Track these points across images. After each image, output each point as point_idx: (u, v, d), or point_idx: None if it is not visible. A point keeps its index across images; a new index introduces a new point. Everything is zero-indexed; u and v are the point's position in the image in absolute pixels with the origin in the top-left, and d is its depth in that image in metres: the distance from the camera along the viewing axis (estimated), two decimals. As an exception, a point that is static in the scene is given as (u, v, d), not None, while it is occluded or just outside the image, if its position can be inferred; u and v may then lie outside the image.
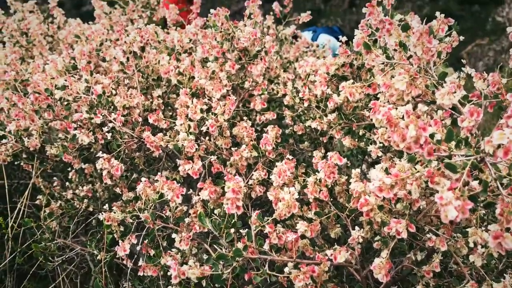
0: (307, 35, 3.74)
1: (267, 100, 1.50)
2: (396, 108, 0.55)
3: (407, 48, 0.73)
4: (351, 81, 0.89)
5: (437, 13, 0.84)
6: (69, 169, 1.17)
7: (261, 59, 1.16)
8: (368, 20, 0.85)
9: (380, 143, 0.91)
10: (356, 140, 0.98)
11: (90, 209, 1.15)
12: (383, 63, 0.81)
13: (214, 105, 1.03)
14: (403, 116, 0.52)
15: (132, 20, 1.88)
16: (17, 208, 1.19)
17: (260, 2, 1.13)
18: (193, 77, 1.22)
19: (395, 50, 0.77)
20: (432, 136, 0.49)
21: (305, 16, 2.18)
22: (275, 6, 2.04)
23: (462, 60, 0.94)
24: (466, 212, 0.50)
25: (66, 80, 1.01)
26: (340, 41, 1.19)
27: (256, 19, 1.19)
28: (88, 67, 1.07)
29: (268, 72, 1.28)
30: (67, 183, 1.19)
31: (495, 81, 0.73)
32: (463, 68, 0.82)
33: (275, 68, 1.24)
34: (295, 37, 2.16)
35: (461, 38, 0.89)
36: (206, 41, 1.13)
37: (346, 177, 0.85)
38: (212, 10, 1.08)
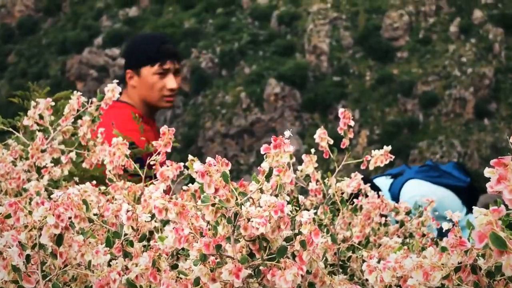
0: (382, 183, 3.85)
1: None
2: None
3: None
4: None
5: None
6: None
7: (293, 256, 1.29)
8: (496, 187, 1.00)
9: None
10: None
11: None
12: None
13: None
14: None
15: (40, 168, 2.11)
16: None
17: (292, 149, 1.32)
18: (156, 292, 1.33)
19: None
20: None
21: (382, 156, 2.40)
22: (320, 137, 2.29)
23: None
24: None
25: None
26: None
27: (284, 178, 1.37)
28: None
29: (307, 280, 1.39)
30: None
31: None
32: None
33: (322, 273, 1.35)
34: (357, 195, 2.34)
35: None
36: (185, 222, 1.29)
37: None
38: (196, 166, 1.26)
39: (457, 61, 57.00)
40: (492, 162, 0.95)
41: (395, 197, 3.71)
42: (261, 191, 1.33)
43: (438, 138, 53.61)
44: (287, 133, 1.32)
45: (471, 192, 3.91)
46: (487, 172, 0.95)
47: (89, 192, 1.62)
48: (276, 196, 1.33)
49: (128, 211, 1.50)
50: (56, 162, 2.18)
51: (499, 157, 0.98)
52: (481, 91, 55.56)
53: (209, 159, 1.31)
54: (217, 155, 1.34)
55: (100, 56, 60.03)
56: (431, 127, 54.29)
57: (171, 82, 3.39)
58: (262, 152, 1.33)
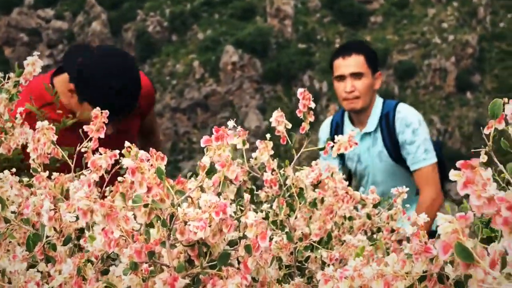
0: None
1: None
2: None
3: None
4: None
5: None
6: None
7: (238, 264, 1.28)
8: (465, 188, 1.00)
9: None
10: None
11: None
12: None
13: None
14: None
15: None
16: None
17: (236, 141, 1.31)
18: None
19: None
20: None
21: (346, 142, 2.42)
22: (277, 120, 2.29)
23: None
24: None
25: None
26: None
27: (227, 172, 1.36)
28: None
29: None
30: None
31: None
32: None
33: (271, 281, 1.35)
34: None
35: None
36: (113, 224, 1.27)
37: None
38: (126, 162, 1.24)
39: (437, 27, 57.43)
40: (458, 164, 0.96)
41: (390, 114, 4.11)
42: (202, 189, 1.32)
43: (416, 113, 54.03)
44: (231, 123, 1.31)
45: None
46: (452, 175, 0.96)
47: (6, 187, 1.58)
48: (219, 194, 1.32)
49: (50, 210, 1.48)
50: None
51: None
52: (464, 61, 56.14)
53: (142, 153, 1.29)
54: (151, 149, 1.32)
55: (31, 18, 59.16)
56: (408, 101, 54.64)
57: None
58: (202, 145, 1.32)
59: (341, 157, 4.29)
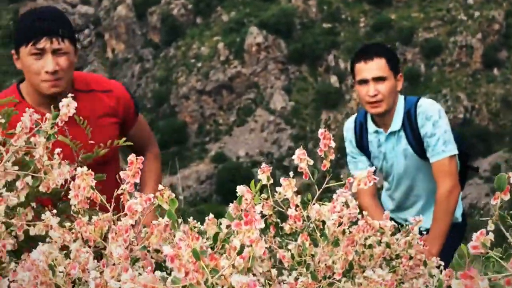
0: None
1: None
2: None
3: None
4: None
5: None
6: None
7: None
8: None
9: None
10: None
11: None
12: None
13: None
14: None
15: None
16: None
17: (263, 225, 1.45)
18: None
19: None
20: None
21: (365, 178, 2.56)
22: (299, 158, 2.42)
23: None
24: None
25: None
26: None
27: (255, 248, 1.50)
28: None
29: None
30: None
31: None
32: None
33: None
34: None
35: None
36: (155, 300, 1.42)
37: None
38: (166, 249, 1.38)
39: (462, 3, 56.74)
40: (459, 274, 1.08)
41: (412, 111, 4.21)
42: (233, 266, 1.45)
43: (442, 91, 53.57)
44: (258, 207, 1.44)
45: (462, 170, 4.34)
46: (454, 284, 1.08)
47: (54, 253, 1.73)
48: (249, 270, 1.45)
49: (95, 278, 1.63)
50: (9, 185, 2.25)
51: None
52: (490, 37, 55.46)
53: (178, 235, 1.44)
54: (187, 229, 1.46)
55: (57, 3, 59.27)
56: (434, 78, 54.26)
57: (47, 64, 3.23)
58: (233, 228, 1.46)
59: (368, 156, 4.38)
